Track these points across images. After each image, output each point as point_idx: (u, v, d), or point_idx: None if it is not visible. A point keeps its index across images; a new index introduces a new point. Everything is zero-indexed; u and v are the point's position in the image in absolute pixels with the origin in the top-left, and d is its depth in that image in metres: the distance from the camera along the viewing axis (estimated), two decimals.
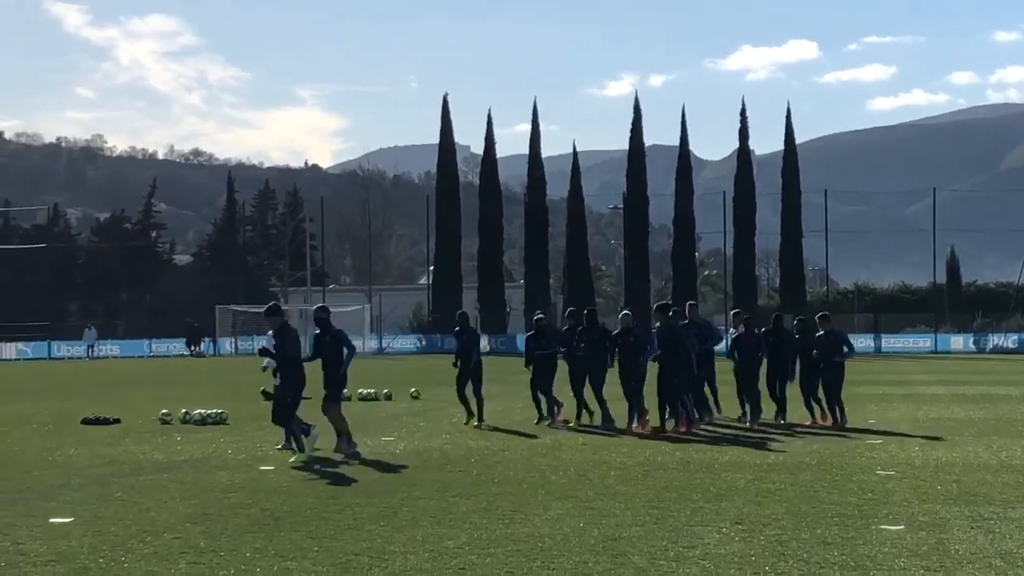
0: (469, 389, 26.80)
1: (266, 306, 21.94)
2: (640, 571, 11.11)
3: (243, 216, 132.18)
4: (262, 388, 35.02)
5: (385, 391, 35.28)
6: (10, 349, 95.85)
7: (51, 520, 14.06)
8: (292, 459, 19.64)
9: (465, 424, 26.27)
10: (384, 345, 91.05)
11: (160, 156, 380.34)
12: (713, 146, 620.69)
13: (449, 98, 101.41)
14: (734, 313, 30.44)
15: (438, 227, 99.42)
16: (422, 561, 11.58)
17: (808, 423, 25.72)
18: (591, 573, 11.07)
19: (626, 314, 26.46)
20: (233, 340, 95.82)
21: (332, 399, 21.47)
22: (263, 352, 22.43)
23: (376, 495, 15.88)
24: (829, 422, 25.71)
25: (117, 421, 27.60)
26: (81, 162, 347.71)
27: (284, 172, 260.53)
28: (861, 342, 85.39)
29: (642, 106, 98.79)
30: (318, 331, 22.08)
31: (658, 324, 25.32)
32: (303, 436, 20.17)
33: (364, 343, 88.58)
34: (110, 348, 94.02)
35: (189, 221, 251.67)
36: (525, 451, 21.17)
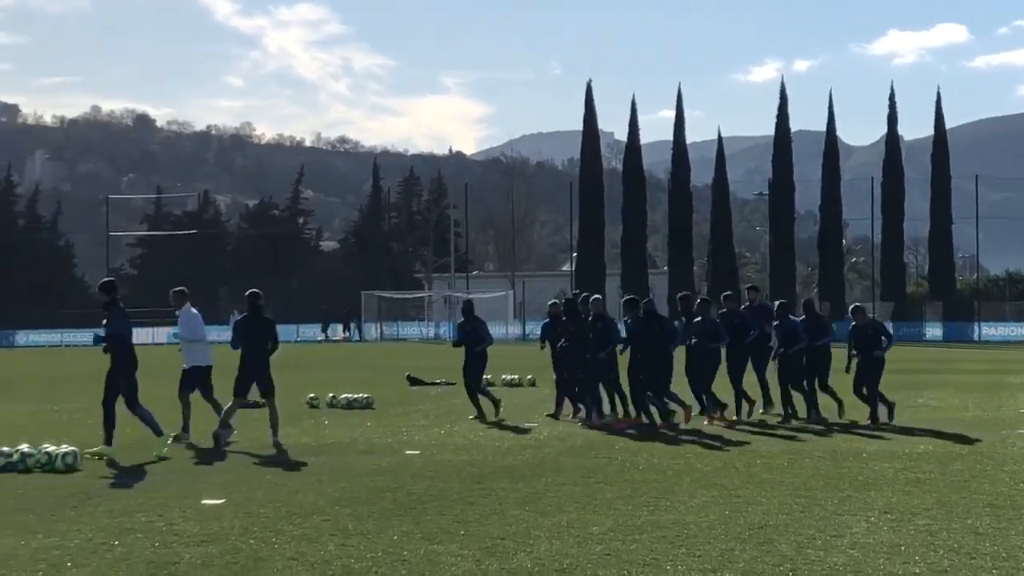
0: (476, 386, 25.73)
1: (101, 281, 20.70)
2: (787, 559, 11.01)
3: (388, 203, 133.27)
4: (407, 373, 35.35)
5: (529, 377, 35.34)
6: (161, 334, 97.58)
7: (203, 501, 14.31)
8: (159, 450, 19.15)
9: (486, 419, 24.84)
10: (527, 331, 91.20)
11: (307, 144, 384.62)
12: (860, 132, 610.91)
13: (593, 84, 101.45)
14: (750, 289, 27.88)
15: (581, 214, 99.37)
16: (567, 546, 11.60)
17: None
18: (737, 561, 11.00)
19: (596, 299, 24.86)
20: (378, 325, 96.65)
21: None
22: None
23: (521, 480, 15.93)
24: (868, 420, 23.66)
25: (263, 405, 27.98)
26: (230, 149, 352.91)
27: (428, 159, 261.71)
28: (1011, 330, 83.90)
29: (787, 91, 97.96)
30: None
31: (629, 317, 24.18)
32: (155, 428, 19.58)
33: (507, 329, 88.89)
34: None
35: (335, 208, 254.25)
36: (670, 439, 21.09)
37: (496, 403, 25.30)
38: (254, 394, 21.63)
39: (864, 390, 23.73)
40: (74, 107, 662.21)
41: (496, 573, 10.58)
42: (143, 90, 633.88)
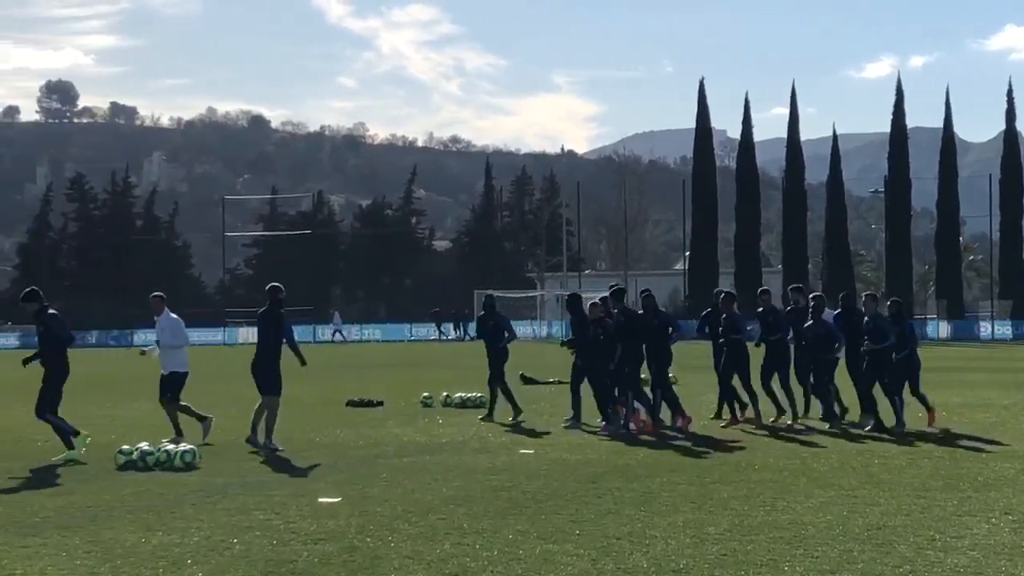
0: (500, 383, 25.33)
1: (24, 291, 20.31)
2: (906, 561, 10.86)
3: (500, 202, 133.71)
4: (521, 372, 35.34)
5: (643, 376, 35.16)
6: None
7: (320, 500, 14.41)
8: (62, 456, 18.95)
9: (511, 420, 24.41)
10: None
11: (419, 144, 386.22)
12: (977, 128, 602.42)
13: (705, 82, 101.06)
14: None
15: (694, 212, 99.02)
16: (683, 546, 11.53)
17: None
18: (856, 562, 10.87)
19: (594, 304, 23.61)
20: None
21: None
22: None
23: (635, 479, 15.88)
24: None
25: (380, 404, 28.18)
26: (344, 150, 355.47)
27: (540, 158, 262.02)
28: None
29: (903, 87, 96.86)
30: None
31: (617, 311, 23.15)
32: (75, 436, 19.34)
33: None
34: (371, 332, 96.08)
35: (447, 207, 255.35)
36: (785, 438, 20.92)
37: (516, 409, 24.78)
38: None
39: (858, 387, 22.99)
40: (190, 109, 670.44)
41: (612, 573, 10.54)
42: (258, 91, 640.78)
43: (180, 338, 21.86)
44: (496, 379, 25.15)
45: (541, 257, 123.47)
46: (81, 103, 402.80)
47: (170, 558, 11.20)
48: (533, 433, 22.15)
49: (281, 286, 20.95)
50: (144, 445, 18.01)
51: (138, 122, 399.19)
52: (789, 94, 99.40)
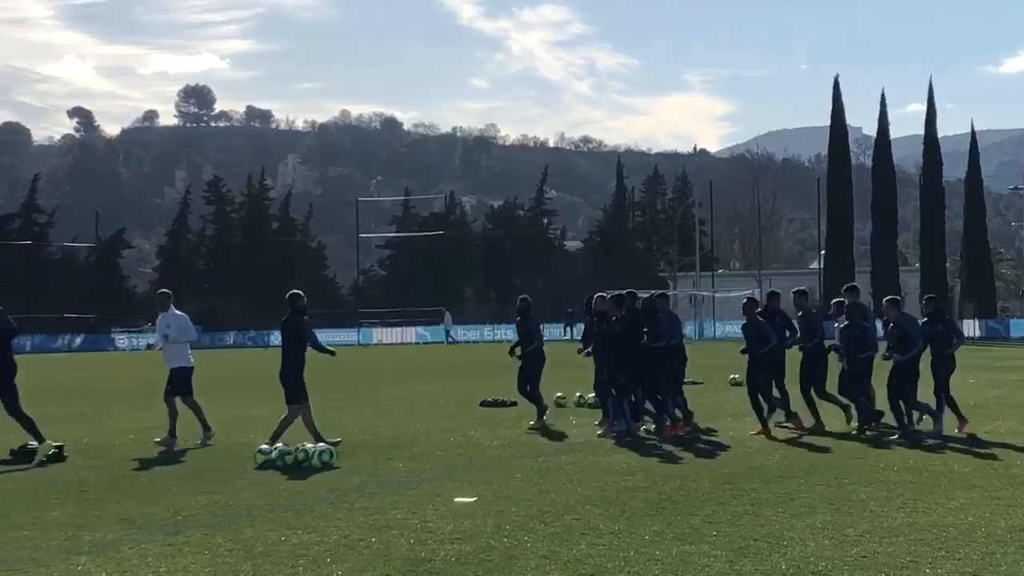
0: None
1: None
2: None
3: (632, 201, 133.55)
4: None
5: None
6: (410, 333, 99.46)
7: (456, 499, 14.49)
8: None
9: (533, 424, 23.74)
10: None
11: (551, 144, 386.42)
12: None
13: (840, 79, 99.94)
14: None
15: (829, 210, 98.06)
16: (822, 548, 11.41)
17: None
18: (999, 564, 10.68)
19: (600, 297, 23.69)
20: None
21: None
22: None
23: (772, 481, 15.75)
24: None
25: (513, 404, 28.20)
26: (475, 151, 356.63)
27: (672, 157, 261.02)
28: None
29: None
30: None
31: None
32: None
33: None
34: (504, 332, 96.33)
35: (579, 207, 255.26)
36: (923, 440, 20.60)
37: (541, 412, 24.06)
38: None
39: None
40: (325, 112, 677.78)
41: (750, 575, 10.46)
42: (391, 94, 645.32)
43: (188, 334, 22.41)
44: (525, 383, 24.38)
45: (673, 257, 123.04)
46: (218, 107, 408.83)
47: (310, 556, 11.33)
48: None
49: (302, 293, 21.22)
50: (282, 445, 18.24)
51: (273, 125, 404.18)
52: (926, 90, 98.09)
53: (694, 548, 11.46)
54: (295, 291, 21.12)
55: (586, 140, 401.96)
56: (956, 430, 21.16)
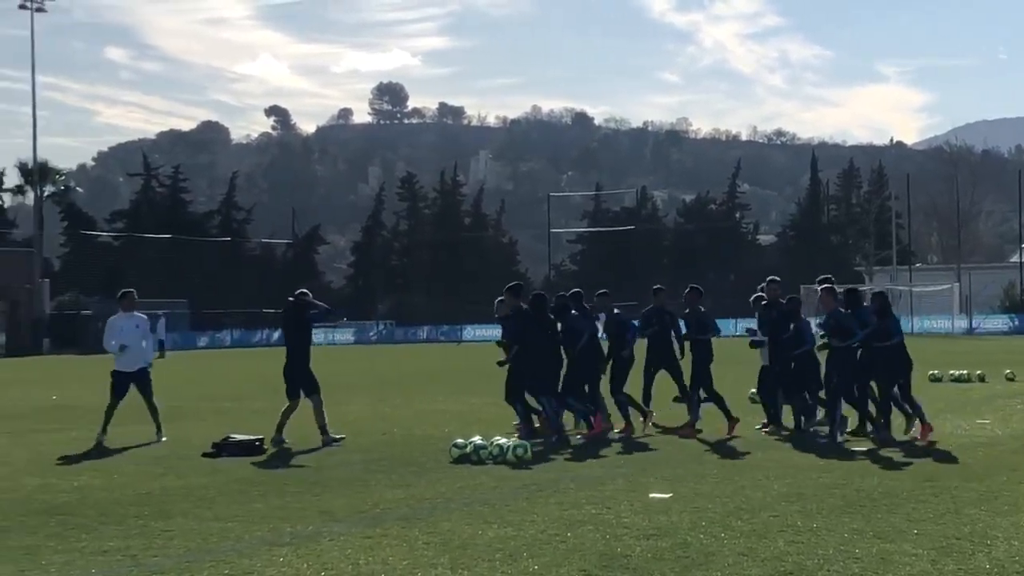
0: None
1: None
2: None
3: (827, 195, 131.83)
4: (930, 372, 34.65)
5: (978, 372, 34.20)
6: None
7: (651, 495, 14.45)
8: None
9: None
10: (974, 325, 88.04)
11: (743, 137, 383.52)
12: None
13: None
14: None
15: None
16: None
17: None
18: None
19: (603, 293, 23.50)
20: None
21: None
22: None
23: (974, 479, 15.40)
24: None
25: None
26: (666, 145, 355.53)
27: (867, 150, 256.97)
28: None
29: None
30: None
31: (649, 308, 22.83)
32: None
33: (953, 323, 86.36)
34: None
35: (772, 201, 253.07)
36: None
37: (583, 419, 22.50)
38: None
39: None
40: (516, 108, 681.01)
41: (953, 574, 10.25)
42: (581, 89, 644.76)
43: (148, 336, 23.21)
44: (616, 387, 22.83)
45: (869, 251, 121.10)
46: (410, 104, 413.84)
47: (506, 550, 11.38)
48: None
49: (307, 291, 22.13)
50: (477, 439, 18.38)
51: (465, 121, 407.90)
52: None
53: (894, 546, 11.26)
54: (301, 289, 22.30)
55: (779, 133, 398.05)
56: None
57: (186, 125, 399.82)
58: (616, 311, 23.54)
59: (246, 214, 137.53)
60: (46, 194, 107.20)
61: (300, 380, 21.45)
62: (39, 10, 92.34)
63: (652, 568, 10.64)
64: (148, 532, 12.70)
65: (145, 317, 23.34)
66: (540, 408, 21.95)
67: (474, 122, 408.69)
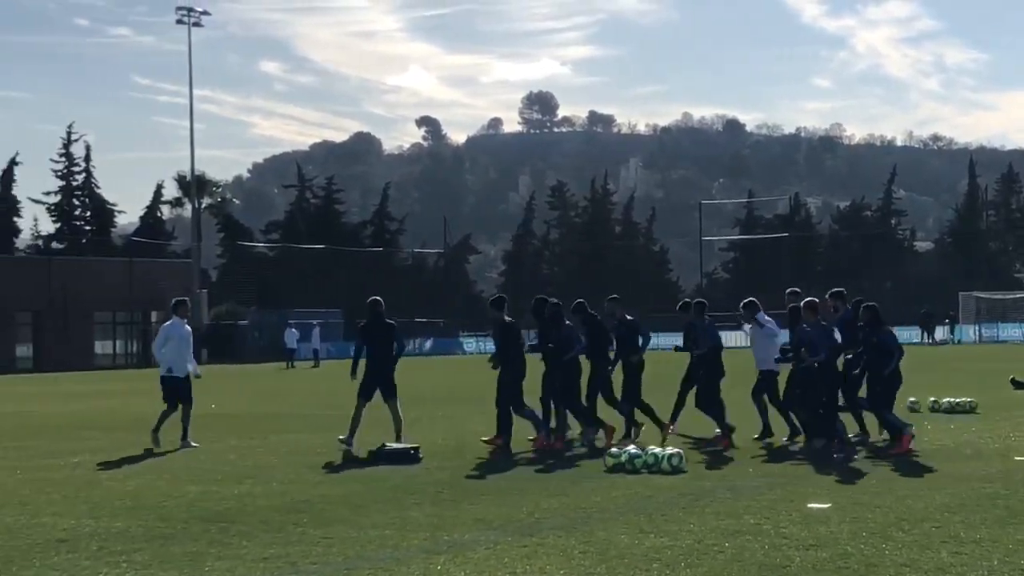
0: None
1: None
2: None
3: (985, 200, 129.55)
4: (1011, 376, 34.07)
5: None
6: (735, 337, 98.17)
7: (809, 505, 14.28)
8: None
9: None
10: None
11: (898, 143, 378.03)
12: None
13: None
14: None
15: None
16: None
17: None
18: None
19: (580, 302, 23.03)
20: (976, 327, 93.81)
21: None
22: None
23: None
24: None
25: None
26: (819, 151, 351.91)
27: None
28: None
29: None
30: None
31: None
32: None
33: None
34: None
35: (928, 207, 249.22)
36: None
37: (545, 426, 22.18)
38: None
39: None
40: (666, 115, 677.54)
41: None
42: (732, 95, 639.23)
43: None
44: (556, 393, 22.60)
45: None
46: (560, 112, 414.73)
47: (663, 560, 11.32)
48: None
49: (380, 300, 22.09)
50: (632, 448, 18.33)
51: (615, 129, 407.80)
52: None
53: None
54: (374, 298, 22.18)
55: (936, 138, 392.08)
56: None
57: (339, 136, 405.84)
58: (629, 316, 23.60)
59: (398, 224, 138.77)
60: (203, 206, 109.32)
61: (385, 384, 21.78)
62: (196, 24, 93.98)
63: None
64: (307, 539, 12.86)
65: (189, 328, 23.83)
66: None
67: (624, 130, 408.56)
